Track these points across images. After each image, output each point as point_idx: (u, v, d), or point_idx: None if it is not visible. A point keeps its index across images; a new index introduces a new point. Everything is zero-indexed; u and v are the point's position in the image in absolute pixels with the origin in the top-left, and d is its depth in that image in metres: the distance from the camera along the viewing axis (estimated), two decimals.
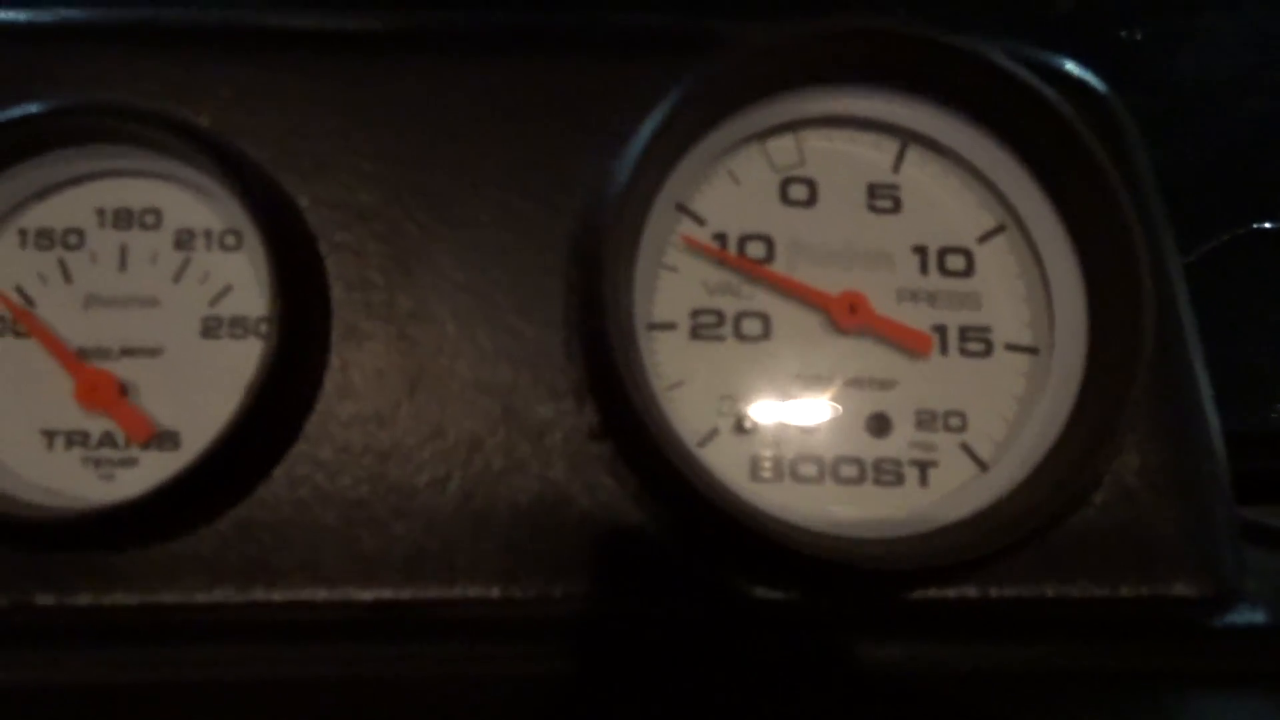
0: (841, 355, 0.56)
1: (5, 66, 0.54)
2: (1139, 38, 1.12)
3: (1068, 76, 0.62)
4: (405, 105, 0.54)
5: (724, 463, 0.55)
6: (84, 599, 0.49)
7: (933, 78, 0.56)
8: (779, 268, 0.57)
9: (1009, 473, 0.55)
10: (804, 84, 0.55)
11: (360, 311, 0.53)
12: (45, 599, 0.48)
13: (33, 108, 0.51)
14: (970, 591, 0.53)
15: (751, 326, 0.56)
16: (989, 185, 0.58)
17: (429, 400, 0.52)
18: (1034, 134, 0.56)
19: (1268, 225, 1.19)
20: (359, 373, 0.53)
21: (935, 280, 0.57)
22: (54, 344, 0.53)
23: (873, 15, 0.53)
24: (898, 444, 0.56)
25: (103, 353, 0.54)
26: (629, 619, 0.52)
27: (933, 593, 0.53)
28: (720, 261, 0.56)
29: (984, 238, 0.58)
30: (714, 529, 0.52)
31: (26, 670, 0.48)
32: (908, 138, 0.58)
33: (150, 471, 0.53)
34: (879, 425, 0.56)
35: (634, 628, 0.52)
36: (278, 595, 0.50)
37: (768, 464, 0.55)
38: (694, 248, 0.56)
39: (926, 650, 0.52)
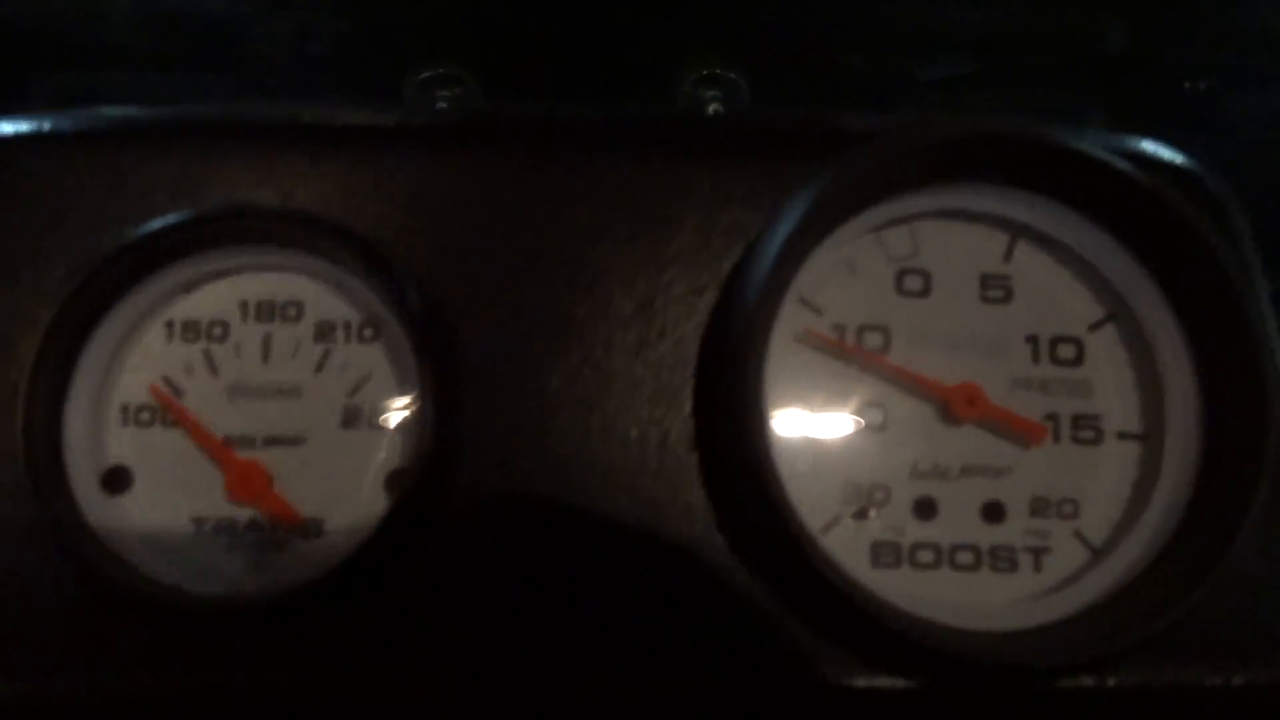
0: (957, 444, 0.58)
1: (164, 165, 0.56)
2: (1203, 87, 1.13)
3: (1166, 162, 0.63)
4: (543, 202, 0.57)
5: (845, 549, 0.56)
6: (247, 680, 0.51)
7: (1041, 174, 0.57)
8: (895, 357, 0.58)
9: (1122, 561, 0.56)
10: (923, 183, 0.57)
11: (495, 406, 0.55)
12: (213, 680, 0.51)
13: (190, 213, 0.53)
14: (1087, 681, 0.54)
15: (870, 416, 0.58)
16: (1098, 275, 0.60)
17: (562, 494, 0.54)
18: (1141, 225, 0.57)
19: None
20: (494, 465, 0.54)
21: (1047, 369, 0.59)
22: (203, 435, 0.56)
23: (984, 116, 0.54)
24: (1012, 531, 0.57)
25: (247, 441, 0.56)
26: (756, 704, 0.54)
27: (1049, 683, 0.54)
28: (839, 352, 0.58)
29: (1094, 326, 0.60)
30: (838, 616, 0.53)
31: None
32: (1018, 230, 0.60)
33: (294, 558, 0.55)
34: (993, 512, 0.58)
35: (761, 712, 0.54)
36: (419, 681, 0.52)
37: (888, 550, 0.57)
38: (815, 340, 0.58)
39: None
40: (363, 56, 0.89)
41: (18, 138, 0.58)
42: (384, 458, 0.56)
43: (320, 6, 0.83)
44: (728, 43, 0.87)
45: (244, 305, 0.58)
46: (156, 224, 0.53)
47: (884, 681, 0.54)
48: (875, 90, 0.93)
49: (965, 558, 0.57)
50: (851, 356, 0.58)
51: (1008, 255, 0.60)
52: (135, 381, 0.57)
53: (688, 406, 0.56)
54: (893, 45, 0.90)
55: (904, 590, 0.55)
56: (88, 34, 0.82)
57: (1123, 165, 0.55)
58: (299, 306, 0.58)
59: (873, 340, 0.58)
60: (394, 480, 0.55)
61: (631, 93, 0.90)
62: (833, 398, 0.58)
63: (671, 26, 0.86)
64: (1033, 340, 0.59)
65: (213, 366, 0.57)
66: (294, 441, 0.56)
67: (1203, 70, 1.03)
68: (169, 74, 0.89)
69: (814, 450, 0.57)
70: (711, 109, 0.87)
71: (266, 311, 0.58)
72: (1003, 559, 0.57)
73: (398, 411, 0.57)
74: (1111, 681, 0.54)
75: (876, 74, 0.92)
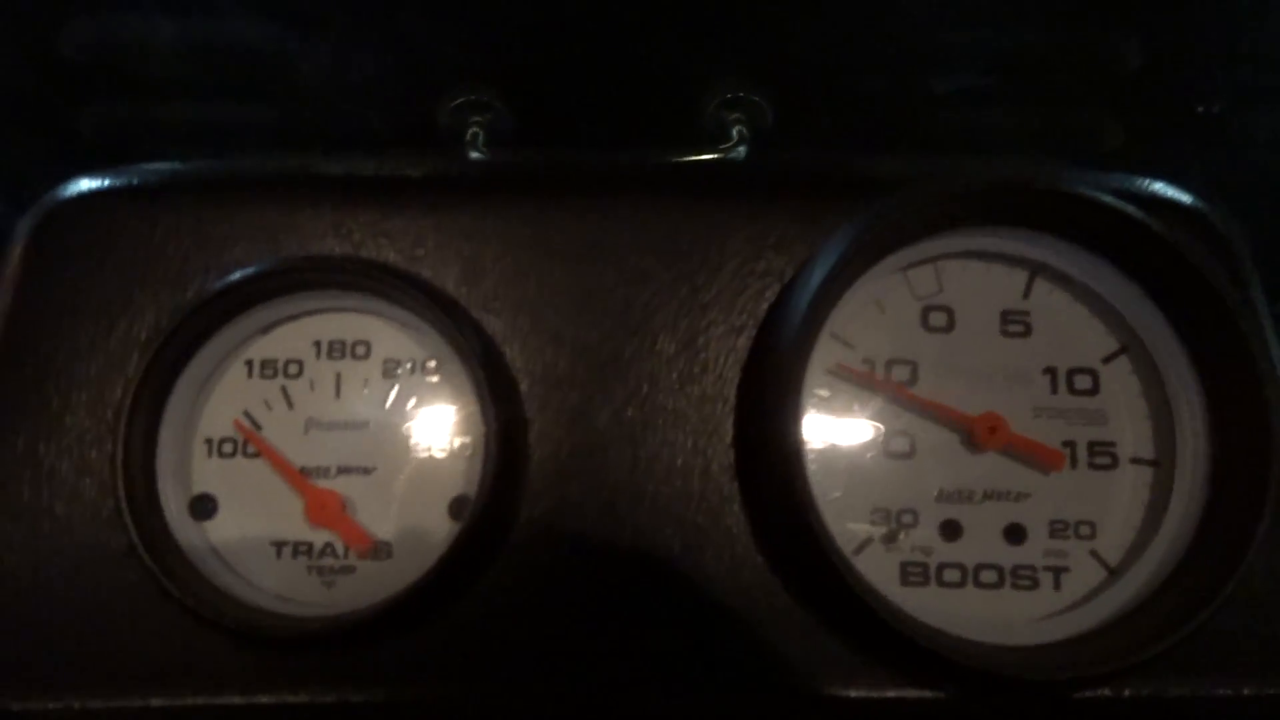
0: (980, 470, 0.62)
1: (244, 218, 0.61)
2: (1216, 110, 1.15)
3: (1176, 203, 0.67)
4: (592, 248, 0.61)
5: (877, 569, 0.60)
6: (329, 697, 0.55)
7: (1058, 218, 0.61)
8: (922, 389, 0.62)
9: (1137, 579, 0.60)
10: (952, 226, 0.61)
11: (555, 435, 0.60)
12: (297, 697, 0.55)
13: (268, 264, 0.58)
14: (1104, 693, 0.58)
15: (899, 445, 0.62)
16: (1111, 310, 0.64)
17: (613, 519, 0.59)
18: (1151, 265, 0.61)
19: None
20: (556, 493, 0.59)
21: (1064, 399, 0.63)
22: (283, 465, 0.60)
23: (1009, 167, 0.58)
24: (1033, 551, 0.61)
25: (321, 471, 0.61)
26: (795, 716, 0.58)
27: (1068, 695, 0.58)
28: (870, 384, 0.62)
29: (1108, 359, 0.64)
30: (870, 632, 0.57)
31: None
32: (1036, 268, 0.64)
33: (366, 579, 0.60)
34: (1015, 534, 0.61)
35: None
36: (483, 697, 0.57)
37: (916, 570, 0.61)
38: (846, 374, 0.62)
39: None
40: (398, 84, 0.93)
41: (110, 190, 0.63)
42: (448, 486, 0.60)
43: (357, 38, 0.87)
44: (751, 66, 0.91)
45: (317, 345, 0.62)
46: (240, 274, 0.58)
47: (913, 693, 0.58)
48: (896, 109, 0.97)
49: (989, 576, 0.61)
50: (881, 389, 0.62)
51: (1026, 292, 0.64)
52: (219, 416, 0.62)
53: (728, 437, 0.60)
54: (914, 66, 0.93)
55: (932, 607, 0.59)
56: (134, 66, 0.86)
57: (1135, 212, 0.59)
58: (368, 345, 0.62)
59: (901, 373, 0.63)
60: (457, 507, 0.60)
61: (657, 115, 0.94)
62: (864, 427, 0.62)
63: (696, 51, 0.90)
64: (1051, 372, 0.63)
65: (289, 401, 0.62)
66: (365, 471, 0.61)
67: (1216, 90, 1.05)
68: (213, 103, 0.93)
69: (846, 477, 0.61)
70: (735, 130, 0.91)
71: (338, 350, 0.62)
72: (1024, 578, 0.61)
73: (460, 442, 0.61)
74: (1127, 693, 0.58)
75: (898, 94, 0.95)
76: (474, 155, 0.72)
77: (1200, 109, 1.08)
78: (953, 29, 0.89)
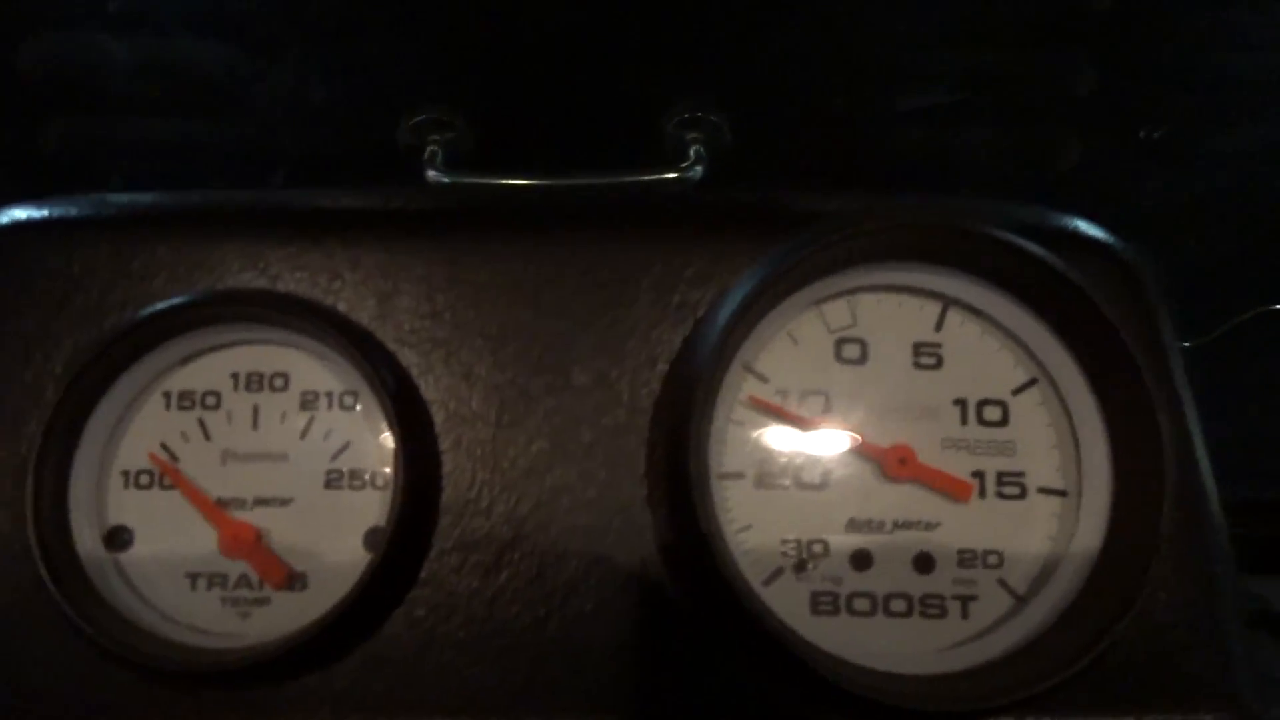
0: (891, 500, 0.63)
1: (163, 250, 0.62)
2: (1156, 136, 1.17)
3: (1083, 237, 0.68)
4: (510, 283, 0.62)
5: (787, 599, 0.61)
6: None
7: (964, 255, 0.63)
8: (834, 421, 0.63)
9: (1045, 607, 0.61)
10: (861, 262, 0.62)
11: (467, 469, 0.60)
12: None
13: (186, 297, 0.59)
14: None
15: (811, 476, 0.63)
16: (1020, 343, 0.65)
17: (530, 548, 0.59)
18: (1053, 299, 0.62)
19: None
20: (468, 523, 0.60)
21: (974, 430, 0.64)
22: (198, 497, 0.61)
23: (922, 204, 0.59)
24: (941, 580, 0.62)
25: (238, 503, 0.61)
26: None
27: None
28: (783, 416, 0.63)
29: (1017, 391, 0.65)
30: (779, 664, 0.58)
31: None
32: (948, 302, 0.65)
33: (281, 610, 0.60)
34: (924, 563, 0.63)
35: None
36: None
37: (826, 600, 0.62)
38: (760, 406, 0.63)
39: None
40: (358, 103, 0.93)
41: (30, 224, 0.64)
42: (363, 518, 0.61)
43: (316, 59, 0.87)
44: (707, 86, 0.92)
45: (235, 376, 0.63)
46: (155, 308, 0.58)
47: None
48: (856, 125, 0.98)
49: (899, 605, 0.62)
50: (794, 421, 0.63)
51: (939, 324, 0.65)
52: (136, 448, 0.62)
53: (641, 469, 0.61)
54: (873, 87, 0.94)
55: (841, 636, 0.60)
56: (92, 83, 0.87)
57: (1035, 249, 0.60)
58: (286, 378, 0.63)
59: (814, 405, 0.64)
60: (372, 538, 0.60)
61: (617, 133, 0.95)
62: (776, 458, 0.63)
63: (653, 69, 0.91)
64: (961, 403, 0.64)
65: (206, 433, 0.62)
66: (282, 503, 0.61)
67: (1165, 113, 1.07)
68: (172, 124, 0.94)
69: (758, 508, 0.62)
70: (693, 150, 0.92)
71: (256, 382, 0.63)
72: (933, 606, 0.62)
73: (376, 474, 0.62)
74: None
75: (857, 115, 0.97)
76: (431, 174, 0.73)
77: (1142, 134, 1.10)
78: (911, 51, 0.91)
